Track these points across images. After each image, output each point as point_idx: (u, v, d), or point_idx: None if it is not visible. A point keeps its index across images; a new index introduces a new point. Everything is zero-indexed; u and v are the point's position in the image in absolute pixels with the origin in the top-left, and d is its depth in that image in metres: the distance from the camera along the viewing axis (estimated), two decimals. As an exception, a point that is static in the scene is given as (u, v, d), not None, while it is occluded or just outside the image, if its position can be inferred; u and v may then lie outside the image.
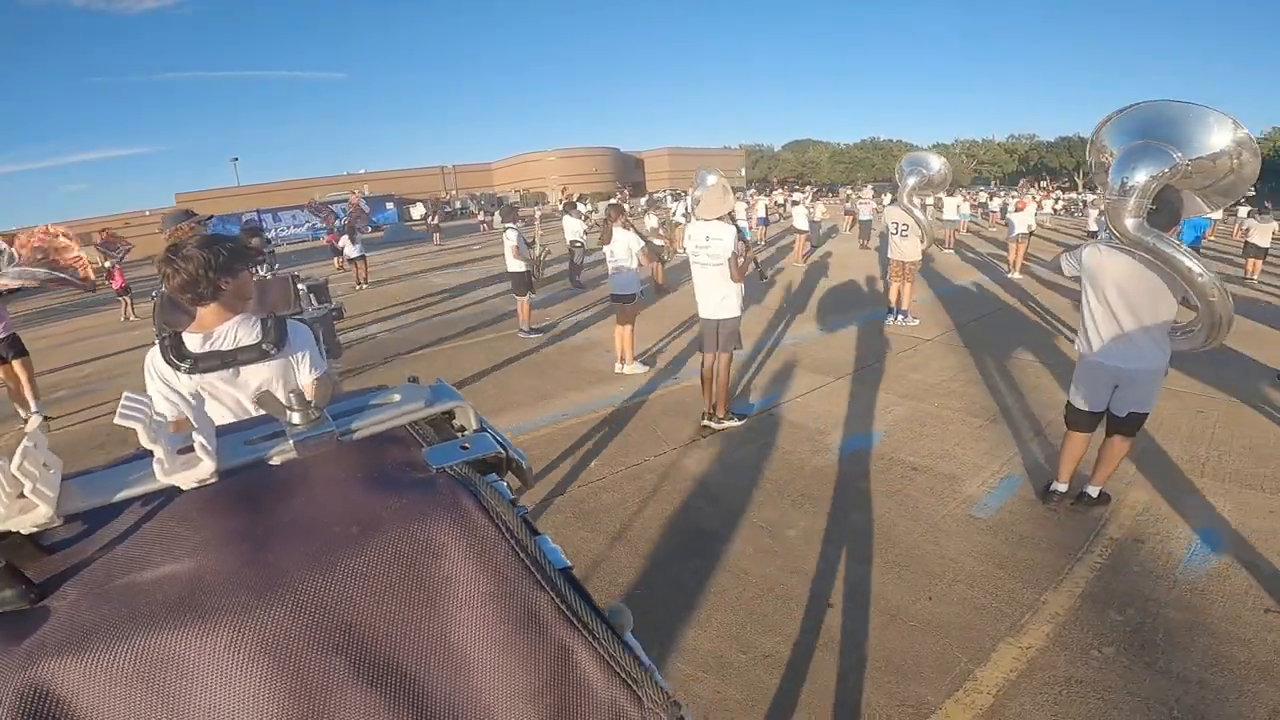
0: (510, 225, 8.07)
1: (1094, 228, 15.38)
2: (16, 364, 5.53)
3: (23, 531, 0.48)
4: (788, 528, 3.34)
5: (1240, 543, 2.98)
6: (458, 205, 47.80)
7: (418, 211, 41.03)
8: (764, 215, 17.22)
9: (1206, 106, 2.52)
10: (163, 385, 1.71)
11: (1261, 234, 10.92)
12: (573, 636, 0.50)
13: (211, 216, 3.92)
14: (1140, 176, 2.55)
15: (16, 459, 0.47)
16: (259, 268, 4.79)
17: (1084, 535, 3.12)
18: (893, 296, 7.57)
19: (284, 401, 0.57)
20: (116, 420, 0.50)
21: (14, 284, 4.66)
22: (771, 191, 25.33)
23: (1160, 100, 2.64)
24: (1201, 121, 2.49)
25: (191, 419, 0.54)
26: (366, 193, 49.28)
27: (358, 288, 12.95)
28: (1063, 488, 3.36)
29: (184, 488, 0.52)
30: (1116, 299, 2.90)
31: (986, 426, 4.50)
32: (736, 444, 4.45)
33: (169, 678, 0.42)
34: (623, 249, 5.88)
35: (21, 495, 0.47)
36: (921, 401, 5.08)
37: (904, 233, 7.24)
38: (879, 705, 2.23)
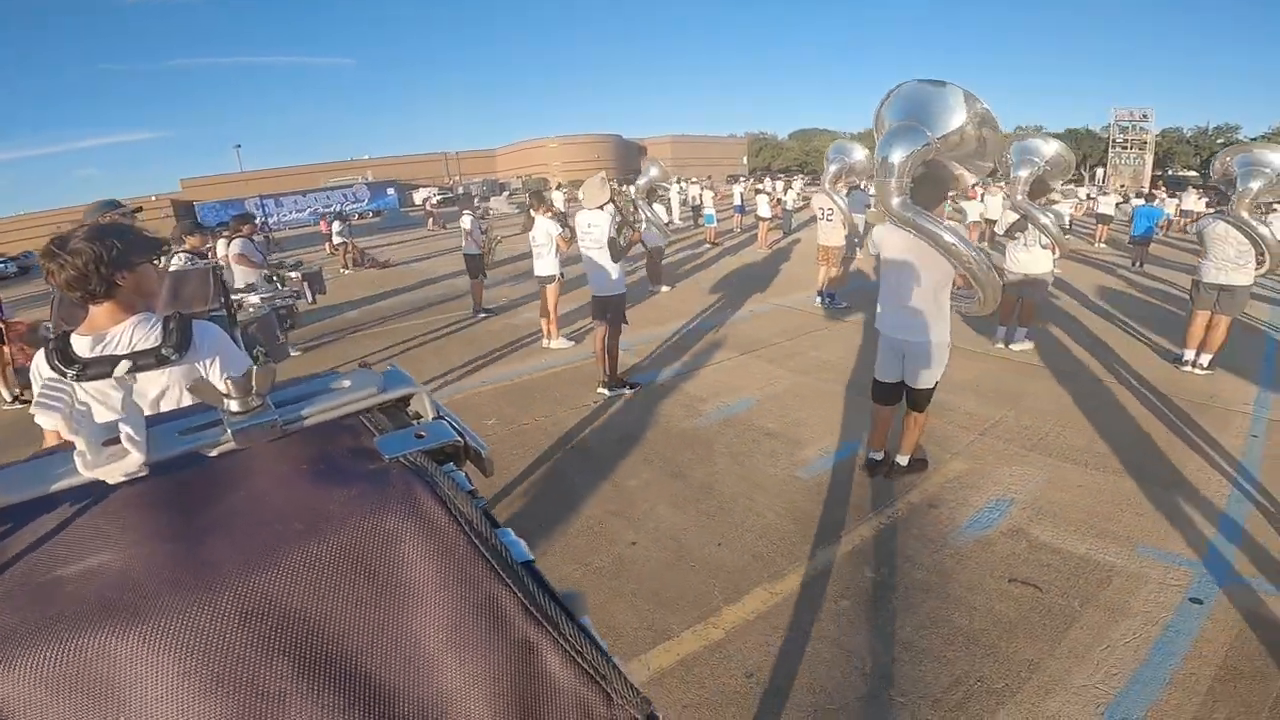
0: (466, 211, 8.50)
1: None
2: None
3: None
4: (630, 479, 3.71)
5: (1031, 513, 3.17)
6: (460, 191, 48.21)
7: (419, 196, 41.50)
8: (740, 204, 17.49)
9: (952, 84, 2.75)
10: None
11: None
12: (537, 632, 0.48)
13: (139, 209, 3.83)
14: (897, 155, 2.79)
15: None
16: (172, 259, 4.67)
17: (884, 499, 3.37)
18: (820, 280, 7.90)
19: (221, 388, 0.53)
20: (33, 409, 0.47)
21: None
22: (760, 180, 25.28)
23: (915, 81, 2.85)
24: (944, 100, 2.73)
25: (123, 405, 0.52)
26: (369, 178, 49.91)
27: (343, 271, 13.53)
28: (878, 456, 3.63)
29: (110, 482, 0.48)
30: (896, 274, 3.17)
31: (855, 400, 4.79)
32: (622, 409, 4.82)
33: (98, 683, 0.40)
34: (543, 235, 6.24)
35: None
36: (807, 376, 5.40)
37: (829, 217, 7.56)
38: (630, 626, 2.53)
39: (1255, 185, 4.90)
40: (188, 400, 1.52)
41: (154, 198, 44.96)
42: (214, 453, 0.53)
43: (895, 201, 2.90)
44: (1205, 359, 5.28)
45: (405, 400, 0.63)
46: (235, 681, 0.41)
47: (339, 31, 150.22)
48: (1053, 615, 2.49)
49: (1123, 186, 34.67)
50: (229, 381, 0.53)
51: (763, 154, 66.40)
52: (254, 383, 0.54)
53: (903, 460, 3.60)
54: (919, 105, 2.83)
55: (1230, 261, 5.10)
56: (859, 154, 7.58)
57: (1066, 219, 13.60)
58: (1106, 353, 5.82)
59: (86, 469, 0.48)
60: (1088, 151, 50.18)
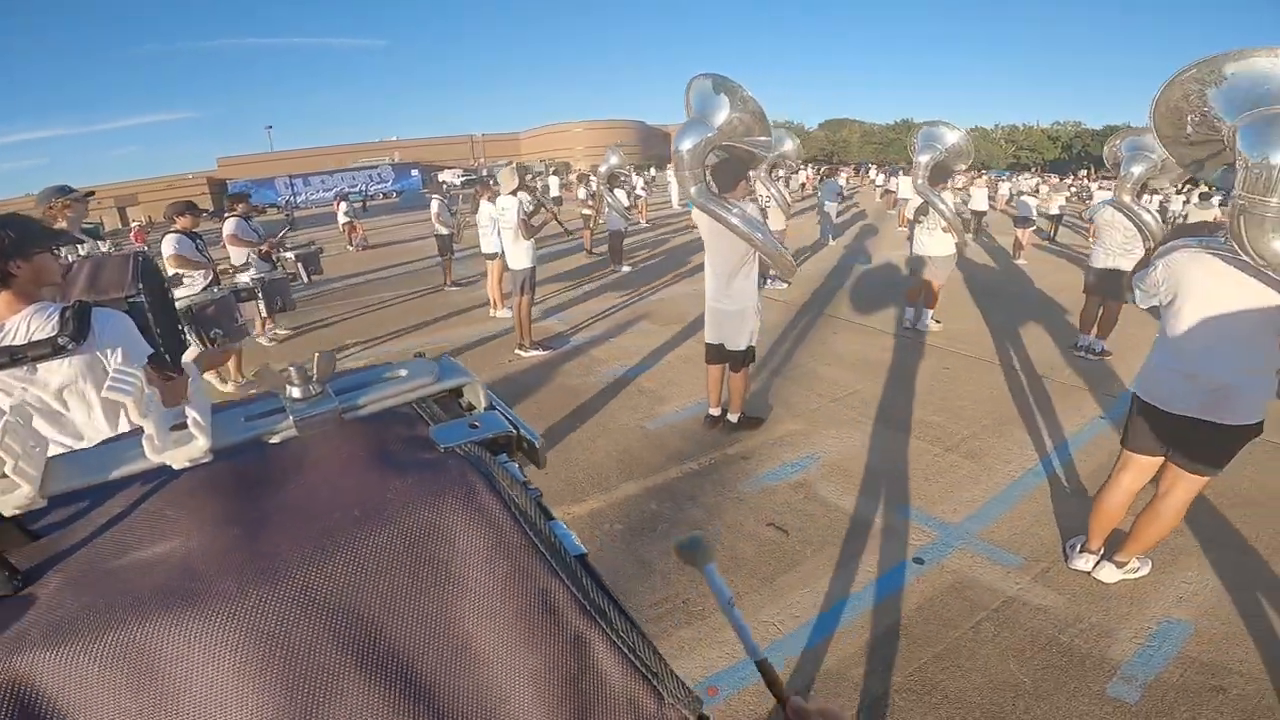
0: (434, 195, 9.19)
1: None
2: None
3: (4, 514, 0.45)
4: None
5: (827, 470, 3.47)
6: (484, 173, 49.00)
7: (443, 178, 42.52)
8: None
9: (718, 77, 3.09)
10: None
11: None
12: (589, 626, 0.48)
13: (90, 193, 3.89)
14: (685, 147, 3.14)
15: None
16: (76, 247, 4.56)
17: (707, 449, 3.72)
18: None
19: (284, 375, 0.54)
20: (105, 393, 0.46)
21: None
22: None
23: (698, 76, 3.19)
24: (716, 95, 3.07)
25: (190, 391, 0.52)
26: (396, 159, 51.10)
27: (349, 248, 14.29)
28: (715, 412, 4.03)
29: (175, 467, 0.49)
30: (711, 252, 3.57)
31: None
32: (531, 368, 5.33)
33: (156, 669, 0.40)
34: (485, 217, 6.84)
35: (2, 475, 0.45)
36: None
37: (766, 206, 7.91)
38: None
39: (1137, 170, 5.04)
40: (92, 392, 1.59)
41: (190, 175, 46.96)
42: (275, 439, 0.53)
43: (693, 190, 3.29)
44: (1101, 344, 5.52)
45: (458, 390, 0.64)
46: (291, 671, 0.41)
47: (373, 13, 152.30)
48: (782, 557, 2.78)
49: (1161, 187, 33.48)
50: (292, 369, 0.54)
51: (789, 142, 65.66)
52: (315, 370, 0.54)
53: (732, 417, 3.97)
54: (702, 99, 3.21)
55: (1119, 247, 5.30)
56: (789, 144, 7.90)
57: (1054, 209, 13.71)
58: (1011, 336, 6.04)
59: (154, 454, 0.48)
60: (1127, 145, 48.53)
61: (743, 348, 3.70)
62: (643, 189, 17.49)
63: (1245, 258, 1.92)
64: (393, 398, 0.59)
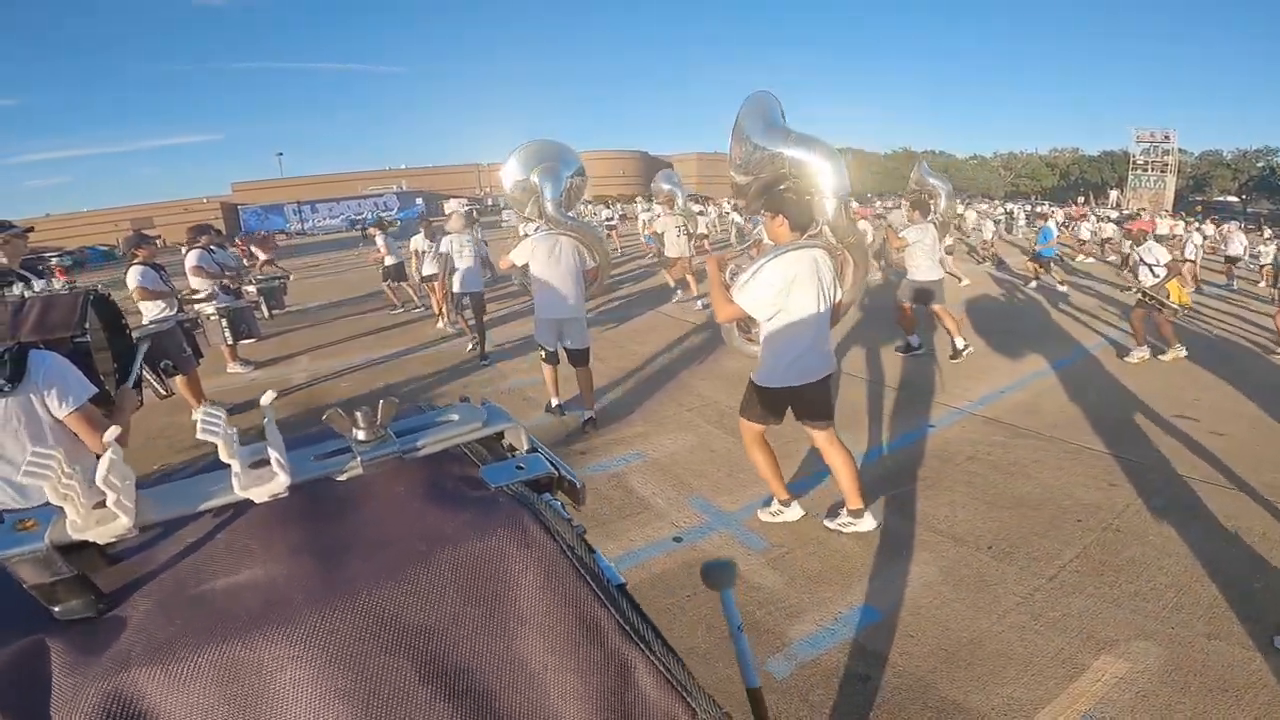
0: (379, 232, 10.15)
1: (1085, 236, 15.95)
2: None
3: (99, 542, 0.48)
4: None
5: (647, 465, 3.93)
6: (489, 202, 50.25)
7: (449, 207, 43.87)
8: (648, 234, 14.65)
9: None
10: None
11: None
12: (630, 649, 0.52)
13: (30, 229, 4.02)
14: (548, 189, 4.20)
15: (102, 470, 0.46)
16: (29, 283, 4.81)
17: (555, 445, 4.21)
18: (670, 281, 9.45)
19: (351, 420, 0.57)
20: (199, 434, 0.50)
21: None
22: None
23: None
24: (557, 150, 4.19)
25: (267, 431, 0.55)
26: (403, 187, 52.72)
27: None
28: (556, 402, 4.72)
29: (256, 501, 0.52)
30: (547, 271, 4.24)
31: (618, 376, 5.71)
32: (458, 373, 5.90)
33: (247, 689, 0.43)
34: (421, 244, 8.11)
35: (100, 506, 0.47)
36: (615, 362, 6.28)
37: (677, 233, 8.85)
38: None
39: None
40: (25, 430, 1.72)
41: (205, 199, 48.63)
42: (342, 477, 0.56)
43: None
44: (959, 342, 6.04)
45: (500, 433, 0.67)
46: (366, 688, 0.45)
47: (378, 40, 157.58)
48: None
49: (1142, 211, 33.85)
50: (358, 414, 0.57)
51: (788, 171, 66.69)
52: (379, 416, 0.57)
53: (589, 414, 4.52)
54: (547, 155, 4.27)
55: (926, 261, 6.05)
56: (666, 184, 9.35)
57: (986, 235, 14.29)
58: (879, 350, 6.45)
59: (242, 489, 0.51)
60: (1123, 174, 48.95)
61: (587, 345, 4.44)
62: (614, 219, 18.65)
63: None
64: (446, 441, 0.62)
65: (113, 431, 0.53)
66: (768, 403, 3.02)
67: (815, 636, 2.53)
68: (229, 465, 0.51)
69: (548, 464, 0.65)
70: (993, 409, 4.93)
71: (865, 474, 3.80)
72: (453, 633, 0.49)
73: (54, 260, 21.66)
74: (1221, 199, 48.00)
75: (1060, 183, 58.67)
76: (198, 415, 2.10)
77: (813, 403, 3.03)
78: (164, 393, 3.59)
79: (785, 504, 3.27)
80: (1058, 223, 14.70)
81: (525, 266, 4.38)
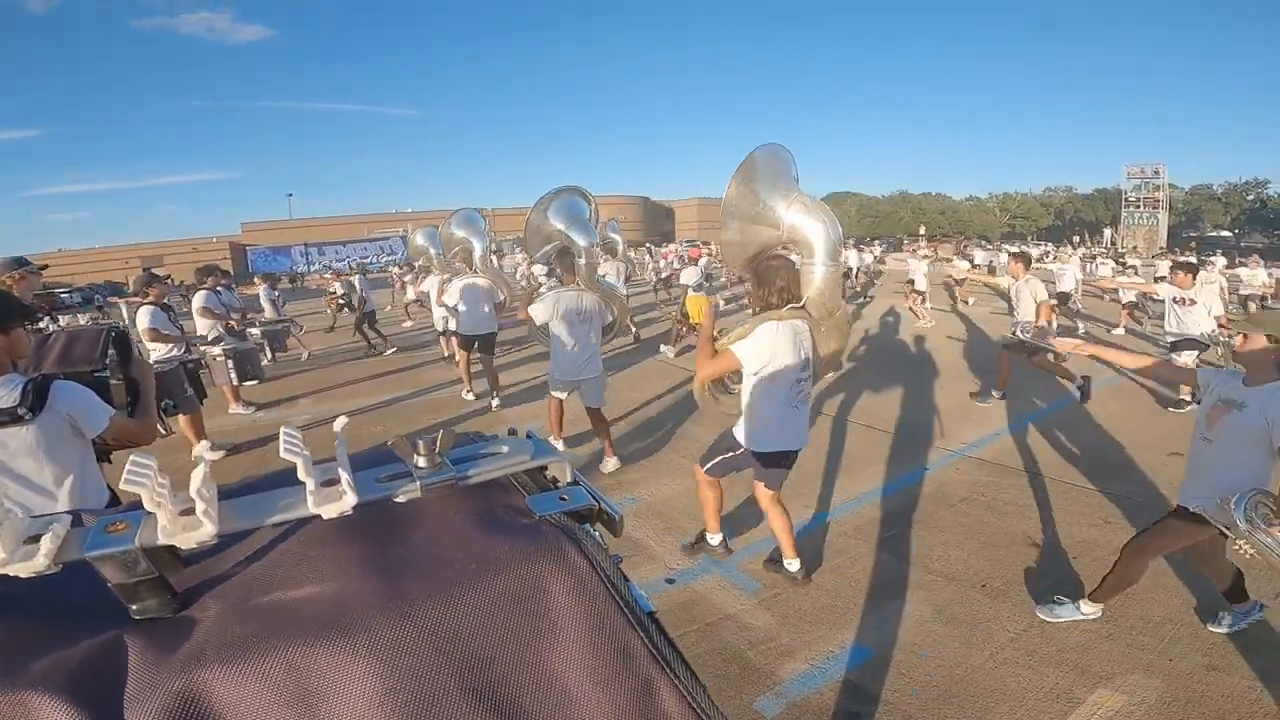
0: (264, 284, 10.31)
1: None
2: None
3: (182, 548, 0.52)
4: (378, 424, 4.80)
5: (644, 509, 4.01)
6: (494, 247, 50.99)
7: (418, 240, 44.60)
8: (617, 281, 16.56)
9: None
10: None
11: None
12: (658, 674, 0.55)
13: (44, 266, 4.26)
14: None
15: (196, 480, 0.51)
16: (55, 318, 5.24)
17: None
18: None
19: (413, 447, 0.63)
20: (282, 454, 0.55)
21: None
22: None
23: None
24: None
25: (338, 454, 0.60)
26: (410, 230, 53.51)
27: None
28: (559, 446, 4.73)
29: (325, 518, 0.56)
30: (573, 332, 4.39)
31: (614, 420, 5.76)
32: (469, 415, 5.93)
33: (314, 694, 0.46)
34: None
35: (187, 513, 0.51)
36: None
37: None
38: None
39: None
40: (44, 454, 1.88)
41: (214, 239, 49.41)
42: (400, 499, 0.61)
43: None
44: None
45: (544, 466, 0.71)
46: (419, 699, 0.48)
47: (391, 83, 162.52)
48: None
49: (1135, 248, 34.29)
50: (420, 442, 0.63)
51: (787, 214, 67.85)
52: (439, 445, 0.63)
53: (614, 461, 4.67)
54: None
55: None
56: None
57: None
58: (892, 398, 6.53)
59: (314, 506, 0.55)
60: (1116, 212, 49.69)
61: (601, 404, 4.60)
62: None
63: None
64: (497, 471, 0.67)
65: (204, 445, 0.60)
66: (770, 464, 3.04)
67: (806, 675, 2.55)
68: (303, 483, 0.55)
69: (589, 496, 0.68)
70: (987, 451, 4.97)
71: (861, 517, 3.89)
72: (497, 649, 0.52)
73: (64, 296, 22.02)
74: (1215, 233, 48.53)
75: (1056, 222, 59.51)
76: (199, 452, 3.24)
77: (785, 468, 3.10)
78: (164, 432, 3.68)
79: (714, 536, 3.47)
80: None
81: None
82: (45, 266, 4.63)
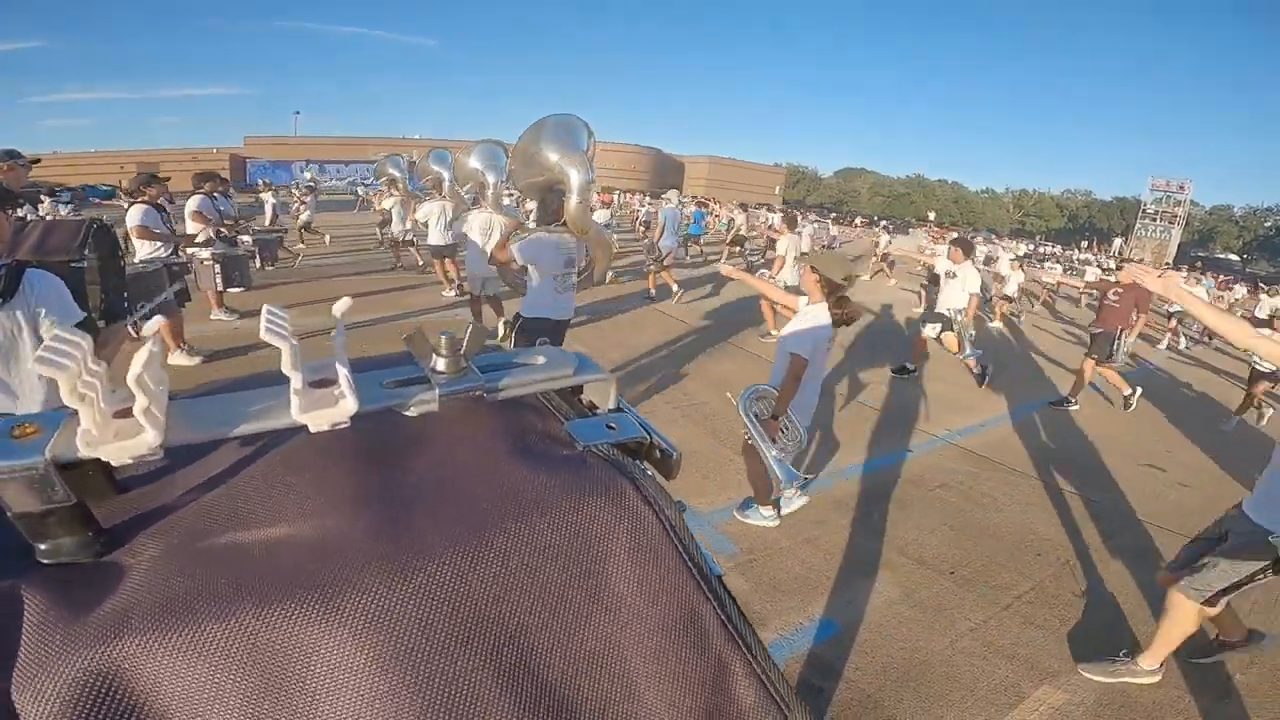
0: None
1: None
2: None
3: (113, 462, 0.36)
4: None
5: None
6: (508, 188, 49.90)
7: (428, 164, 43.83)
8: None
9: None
10: None
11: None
12: (732, 651, 0.45)
13: (37, 160, 4.29)
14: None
15: (137, 365, 0.35)
16: (36, 207, 5.21)
17: None
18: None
19: (432, 343, 0.49)
20: (263, 335, 0.40)
21: None
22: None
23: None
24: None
25: (335, 345, 0.46)
26: (413, 157, 52.10)
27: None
28: None
29: (313, 429, 0.41)
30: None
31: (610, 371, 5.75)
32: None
33: (283, 675, 0.34)
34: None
35: (123, 415, 0.36)
36: (597, 356, 6.35)
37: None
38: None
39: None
40: (15, 345, 1.74)
41: (215, 150, 48.19)
42: (412, 412, 0.46)
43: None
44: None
45: (580, 388, 0.58)
46: (430, 687, 0.35)
47: (411, 11, 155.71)
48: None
49: (1141, 261, 34.16)
50: (442, 337, 0.48)
51: (799, 186, 66.91)
52: (466, 344, 0.49)
53: None
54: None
55: None
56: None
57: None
58: (867, 367, 6.55)
59: (300, 412, 0.40)
60: (1132, 222, 49.36)
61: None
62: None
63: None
64: (533, 384, 0.53)
65: (155, 322, 0.46)
66: (532, 327, 4.17)
67: (774, 645, 2.58)
68: (288, 380, 0.40)
69: (638, 427, 0.55)
70: (971, 441, 5.01)
71: (843, 490, 3.93)
72: (539, 620, 0.40)
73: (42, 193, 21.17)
74: (1223, 256, 48.48)
75: (1068, 225, 59.08)
76: (177, 359, 2.93)
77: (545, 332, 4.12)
78: (134, 336, 3.56)
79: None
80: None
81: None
82: (37, 160, 4.46)
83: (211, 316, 6.48)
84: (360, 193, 20.18)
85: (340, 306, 0.51)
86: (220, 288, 6.40)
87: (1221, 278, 20.87)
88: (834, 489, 3.97)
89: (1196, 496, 4.29)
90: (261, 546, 0.38)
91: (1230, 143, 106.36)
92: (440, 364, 0.48)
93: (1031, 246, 35.00)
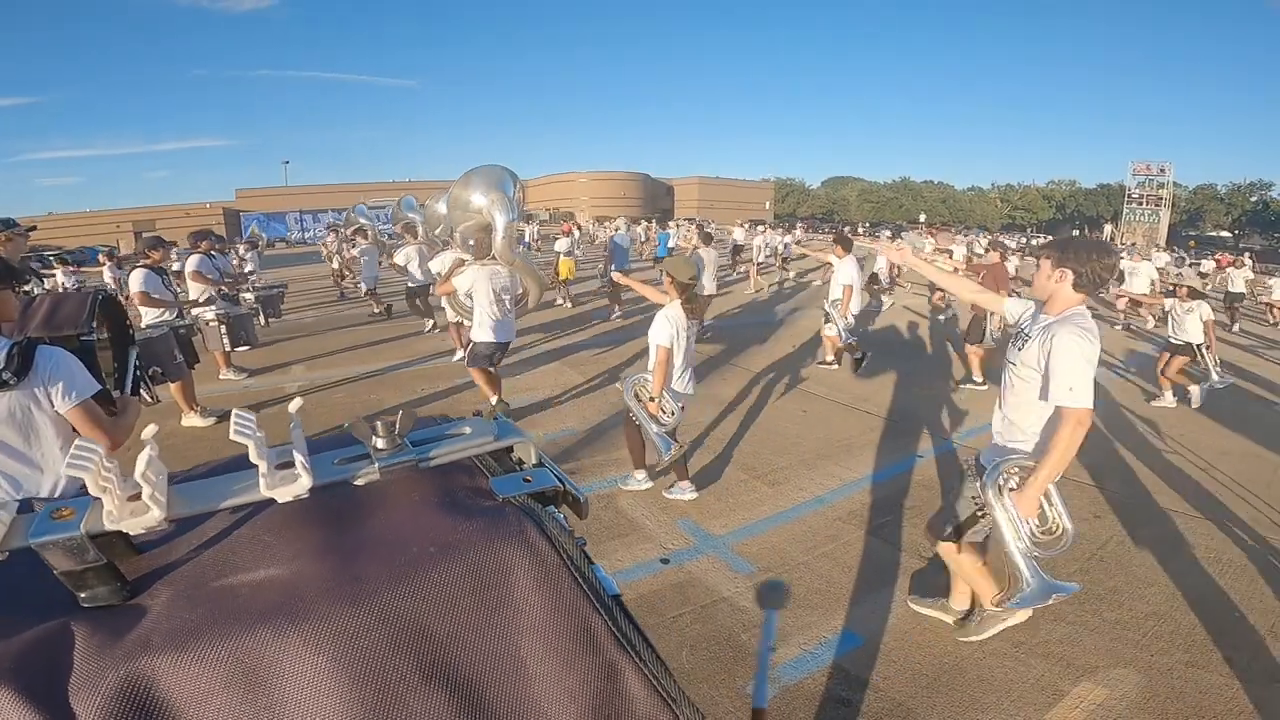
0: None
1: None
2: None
3: (131, 533, 0.50)
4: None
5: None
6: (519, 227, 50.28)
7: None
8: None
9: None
10: None
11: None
12: (621, 656, 0.55)
13: (33, 228, 4.36)
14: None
15: (141, 464, 0.49)
16: (40, 280, 5.18)
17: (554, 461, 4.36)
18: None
19: (371, 429, 0.61)
20: (232, 436, 0.53)
21: None
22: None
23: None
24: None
25: (293, 436, 0.58)
26: (417, 200, 52.67)
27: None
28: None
29: (279, 500, 0.54)
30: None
31: (615, 397, 5.74)
32: (465, 388, 5.89)
33: (265, 680, 0.45)
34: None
35: (135, 498, 0.49)
36: (592, 383, 6.38)
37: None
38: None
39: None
40: (28, 423, 1.78)
41: (208, 204, 48.72)
42: (359, 482, 0.59)
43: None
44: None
45: (509, 447, 0.69)
46: (375, 683, 0.47)
47: (406, 54, 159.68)
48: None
49: (1134, 245, 34.26)
50: (378, 423, 0.61)
51: (789, 199, 67.48)
52: (398, 426, 0.61)
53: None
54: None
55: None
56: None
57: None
58: (880, 383, 6.53)
59: (267, 489, 0.53)
60: (1118, 208, 49.64)
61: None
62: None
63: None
64: (459, 452, 0.65)
65: (151, 429, 0.57)
66: (482, 349, 4.97)
67: (799, 660, 2.55)
68: (256, 466, 0.54)
69: (554, 478, 0.67)
70: (982, 440, 4.97)
71: (855, 502, 3.90)
72: (458, 633, 0.51)
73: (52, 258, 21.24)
74: (1215, 234, 48.60)
75: (1056, 215, 59.44)
76: (191, 421, 3.13)
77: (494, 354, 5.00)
78: (150, 400, 3.60)
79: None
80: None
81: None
82: (34, 228, 4.54)
83: (220, 376, 6.51)
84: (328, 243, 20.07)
85: (294, 405, 0.66)
86: (227, 347, 6.43)
87: (1233, 257, 20.29)
88: (847, 500, 3.94)
89: (1218, 481, 4.25)
90: (247, 587, 0.51)
91: (1207, 123, 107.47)
92: (379, 443, 0.61)
93: (1023, 240, 35.10)
